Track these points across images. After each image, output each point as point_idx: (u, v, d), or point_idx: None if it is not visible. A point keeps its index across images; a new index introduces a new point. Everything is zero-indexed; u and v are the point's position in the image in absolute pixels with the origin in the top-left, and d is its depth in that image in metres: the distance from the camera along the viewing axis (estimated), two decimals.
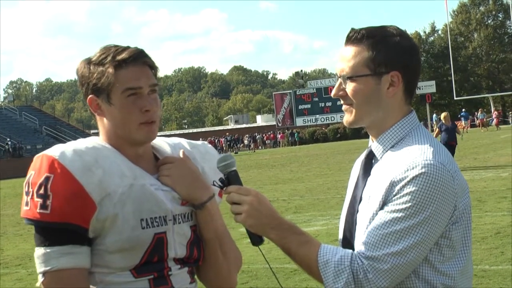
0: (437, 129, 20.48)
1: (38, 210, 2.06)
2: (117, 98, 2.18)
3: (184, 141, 2.48)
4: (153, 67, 2.25)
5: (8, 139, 62.19)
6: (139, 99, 2.19)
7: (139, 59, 2.20)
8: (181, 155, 2.35)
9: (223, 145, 70.02)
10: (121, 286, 2.14)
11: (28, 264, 11.12)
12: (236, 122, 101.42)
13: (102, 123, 2.25)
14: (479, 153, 26.06)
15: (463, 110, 62.45)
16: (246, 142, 71.56)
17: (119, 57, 2.18)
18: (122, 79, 2.17)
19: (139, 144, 2.25)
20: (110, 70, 2.17)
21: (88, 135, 62.76)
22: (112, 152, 2.20)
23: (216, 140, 72.41)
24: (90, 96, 2.22)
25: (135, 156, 2.24)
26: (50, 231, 2.08)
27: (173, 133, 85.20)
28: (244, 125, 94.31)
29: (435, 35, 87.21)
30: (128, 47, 2.23)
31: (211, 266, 2.36)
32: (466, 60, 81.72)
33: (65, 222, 2.06)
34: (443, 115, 20.58)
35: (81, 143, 2.20)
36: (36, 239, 2.12)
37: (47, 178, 2.07)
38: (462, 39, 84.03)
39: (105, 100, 2.19)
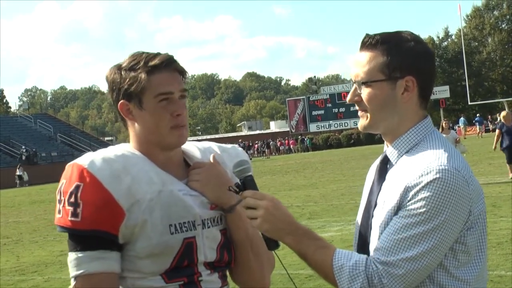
0: (497, 131, 18.40)
1: (69, 218, 2.13)
2: (149, 103, 2.22)
3: (214, 145, 2.52)
4: (182, 73, 2.29)
5: (23, 147, 62.51)
6: (170, 104, 2.23)
7: (170, 64, 2.25)
8: (211, 159, 2.38)
9: None
10: None
11: (44, 271, 11.18)
12: (250, 128, 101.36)
13: (133, 128, 2.29)
14: (494, 158, 25.89)
15: (478, 115, 62.15)
16: (258, 148, 71.54)
17: (152, 63, 2.22)
18: (155, 84, 2.21)
19: (170, 149, 2.29)
20: (143, 75, 2.21)
21: (102, 142, 62.88)
22: (140, 159, 2.24)
23: None
24: (122, 101, 2.25)
25: (165, 161, 2.28)
26: (81, 238, 2.14)
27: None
28: (257, 132, 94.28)
29: (449, 40, 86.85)
30: (158, 53, 2.27)
31: (243, 268, 2.40)
32: (480, 65, 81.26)
33: (95, 229, 2.12)
34: (503, 114, 18.67)
35: (111, 151, 2.25)
36: (69, 244, 2.18)
37: (77, 187, 2.13)
38: (476, 43, 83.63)
39: (137, 105, 2.23)
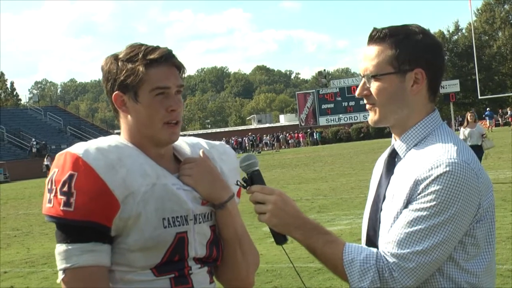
0: None
1: (61, 208, 2.06)
2: (145, 96, 2.19)
3: (202, 141, 2.49)
4: (180, 68, 2.27)
5: (33, 139, 62.76)
6: (166, 99, 2.21)
7: (169, 59, 2.22)
8: (201, 154, 2.36)
9: (247, 144, 70.08)
10: (141, 285, 2.15)
11: (54, 263, 11.13)
12: (259, 121, 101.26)
13: (126, 120, 2.25)
14: (503, 153, 25.83)
15: (488, 109, 61.89)
16: (267, 141, 71.66)
17: (151, 56, 2.19)
18: (152, 78, 2.18)
19: (162, 145, 2.26)
20: (141, 68, 2.18)
21: (112, 134, 62.53)
22: (134, 151, 2.20)
23: (241, 140, 72.47)
24: (116, 92, 2.22)
25: (157, 154, 2.25)
26: (73, 229, 2.07)
27: (196, 132, 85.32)
28: (267, 125, 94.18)
29: (459, 34, 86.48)
30: (158, 47, 2.25)
31: (230, 266, 2.37)
32: (491, 59, 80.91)
33: (88, 220, 2.05)
34: None
35: (104, 142, 2.20)
36: (58, 236, 2.12)
37: (71, 176, 2.07)
38: (487, 37, 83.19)
39: (132, 98, 2.20)
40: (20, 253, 12.92)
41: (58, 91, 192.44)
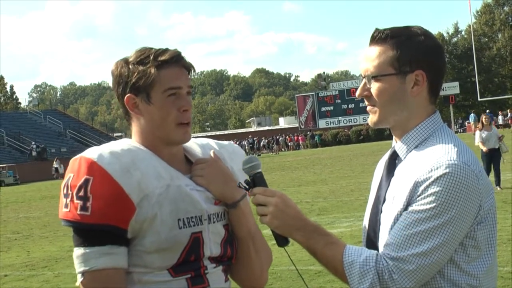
0: None
1: (78, 212, 2.10)
2: (158, 97, 2.22)
3: (212, 142, 2.53)
4: (189, 69, 2.31)
5: (33, 143, 62.72)
6: (178, 99, 2.24)
7: (179, 60, 2.27)
8: (211, 155, 2.39)
9: (246, 147, 70.15)
10: (159, 286, 2.18)
11: (54, 266, 11.23)
12: (259, 124, 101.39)
13: (138, 122, 2.29)
14: (504, 154, 25.79)
15: (487, 111, 61.85)
16: (265, 144, 71.71)
17: (162, 58, 2.23)
18: (164, 79, 2.22)
19: (175, 144, 2.30)
20: (152, 69, 2.22)
21: (112, 138, 62.94)
22: (147, 153, 2.24)
23: (239, 143, 72.56)
24: (128, 94, 2.25)
25: (169, 156, 2.28)
26: (90, 232, 2.11)
27: (196, 135, 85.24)
28: (266, 128, 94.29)
29: (459, 36, 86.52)
30: (167, 49, 2.28)
31: (244, 264, 2.40)
32: (490, 61, 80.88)
33: (105, 224, 2.09)
34: None
35: (116, 146, 2.23)
36: (75, 239, 2.16)
37: (86, 180, 2.10)
38: (486, 39, 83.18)
39: (145, 99, 2.23)
40: (20, 256, 12.92)
41: (58, 94, 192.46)
